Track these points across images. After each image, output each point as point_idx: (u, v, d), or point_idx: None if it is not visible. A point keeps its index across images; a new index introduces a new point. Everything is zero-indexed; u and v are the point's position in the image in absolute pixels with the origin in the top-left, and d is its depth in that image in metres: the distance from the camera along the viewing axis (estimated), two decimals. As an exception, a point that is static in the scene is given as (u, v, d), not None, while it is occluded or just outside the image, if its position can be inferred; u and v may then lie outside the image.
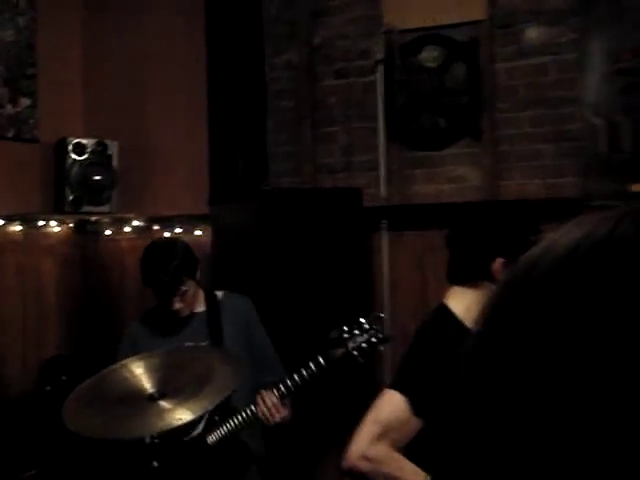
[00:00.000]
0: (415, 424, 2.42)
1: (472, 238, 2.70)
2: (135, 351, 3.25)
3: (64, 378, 4.53)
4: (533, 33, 4.28)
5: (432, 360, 2.60)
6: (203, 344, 3.37)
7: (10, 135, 4.81)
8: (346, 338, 3.24)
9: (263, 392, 3.16)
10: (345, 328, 3.25)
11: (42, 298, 4.91)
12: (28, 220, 4.74)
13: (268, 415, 3.08)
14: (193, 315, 3.35)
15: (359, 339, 3.25)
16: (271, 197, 4.33)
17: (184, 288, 3.20)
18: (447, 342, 2.58)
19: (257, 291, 3.72)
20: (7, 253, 4.75)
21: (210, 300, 3.34)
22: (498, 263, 2.58)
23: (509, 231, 2.66)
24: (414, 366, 2.57)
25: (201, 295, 3.38)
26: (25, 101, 4.90)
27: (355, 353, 3.18)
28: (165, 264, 3.28)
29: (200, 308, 3.36)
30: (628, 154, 4.01)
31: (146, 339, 3.40)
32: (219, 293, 3.43)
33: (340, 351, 3.20)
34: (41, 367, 4.73)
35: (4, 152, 4.75)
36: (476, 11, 4.37)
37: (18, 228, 4.74)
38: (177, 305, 3.18)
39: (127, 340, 3.43)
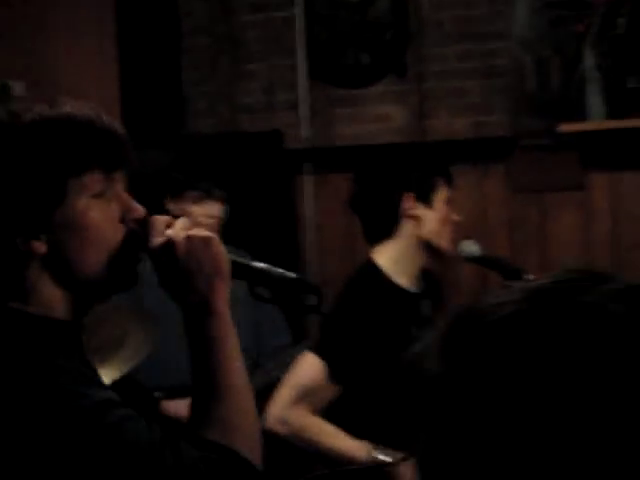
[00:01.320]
0: (333, 389, 2.49)
1: (376, 182, 2.74)
2: None
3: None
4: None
5: (355, 324, 2.63)
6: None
7: None
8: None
9: None
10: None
11: None
12: None
13: None
14: None
15: None
16: (188, 142, 4.30)
17: None
18: (372, 302, 2.66)
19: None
20: None
21: None
22: (407, 198, 2.64)
23: (413, 169, 2.71)
24: (336, 329, 2.59)
25: None
26: None
27: None
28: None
29: None
30: (557, 92, 4.05)
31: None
32: None
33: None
34: None
35: None
36: (399, -60, 4.38)
37: None
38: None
39: None
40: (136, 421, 1.46)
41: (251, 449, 1.54)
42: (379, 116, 4.45)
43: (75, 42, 4.39)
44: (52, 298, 1.55)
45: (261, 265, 1.67)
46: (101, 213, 1.51)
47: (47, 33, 4.46)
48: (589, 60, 3.90)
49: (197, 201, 3.33)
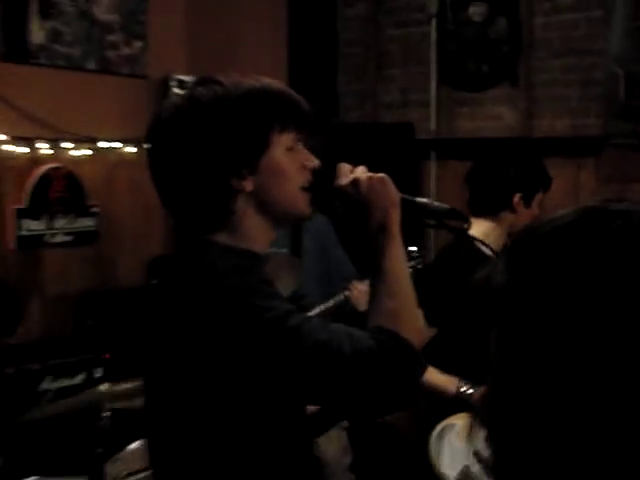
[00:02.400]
0: (428, 332, 2.61)
1: (495, 173, 2.91)
2: None
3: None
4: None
5: (446, 277, 2.82)
6: (283, 251, 3.43)
7: (125, 72, 5.30)
8: None
9: (355, 282, 3.20)
10: None
11: (149, 205, 5.21)
12: (139, 144, 5.12)
13: (359, 299, 3.07)
14: None
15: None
16: (339, 130, 4.77)
17: None
18: (462, 263, 2.79)
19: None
20: (122, 169, 5.36)
21: None
22: (517, 197, 2.87)
23: (529, 169, 2.90)
24: (430, 281, 2.76)
25: None
26: (137, 44, 5.40)
27: None
28: None
29: None
30: (643, 100, 4.43)
31: None
32: None
33: None
34: (148, 264, 5.27)
35: (120, 87, 5.30)
36: (518, -28, 4.75)
37: (131, 149, 5.29)
38: None
39: None
40: (313, 322, 1.58)
41: (415, 337, 1.64)
42: (493, 115, 4.88)
43: (254, 49, 5.08)
44: (253, 231, 1.70)
45: (423, 200, 1.83)
46: (291, 162, 1.69)
47: (234, 43, 5.13)
48: (671, 75, 4.31)
49: None
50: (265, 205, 1.68)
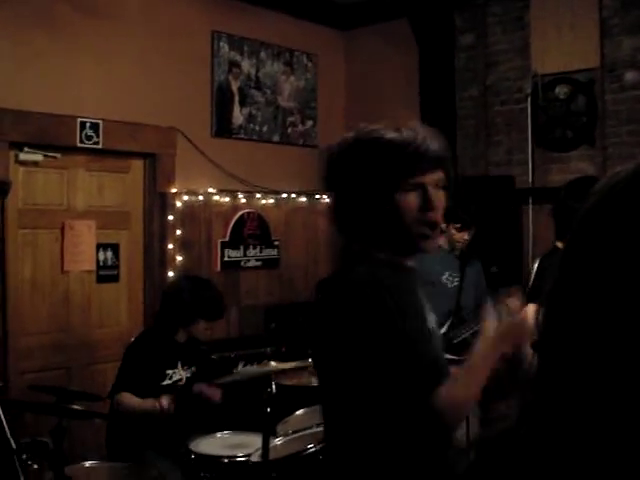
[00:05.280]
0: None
1: (559, 207, 3.56)
2: None
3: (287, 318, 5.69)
4: (630, 75, 5.35)
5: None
6: (456, 282, 4.30)
7: (300, 143, 6.29)
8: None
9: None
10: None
11: (316, 240, 6.14)
12: (309, 195, 6.13)
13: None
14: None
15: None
16: (459, 182, 5.41)
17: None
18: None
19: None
20: (297, 213, 6.20)
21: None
22: None
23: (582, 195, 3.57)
24: (535, 276, 3.44)
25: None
26: (309, 122, 6.40)
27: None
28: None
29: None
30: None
31: None
32: None
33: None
34: (316, 283, 5.86)
35: (297, 154, 6.20)
36: (592, 61, 5.47)
37: (304, 199, 6.19)
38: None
39: None
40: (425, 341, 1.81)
41: (456, 413, 1.84)
42: (577, 169, 5.40)
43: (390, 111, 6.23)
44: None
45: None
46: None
47: (377, 118, 5.61)
48: None
49: (458, 230, 4.38)
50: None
